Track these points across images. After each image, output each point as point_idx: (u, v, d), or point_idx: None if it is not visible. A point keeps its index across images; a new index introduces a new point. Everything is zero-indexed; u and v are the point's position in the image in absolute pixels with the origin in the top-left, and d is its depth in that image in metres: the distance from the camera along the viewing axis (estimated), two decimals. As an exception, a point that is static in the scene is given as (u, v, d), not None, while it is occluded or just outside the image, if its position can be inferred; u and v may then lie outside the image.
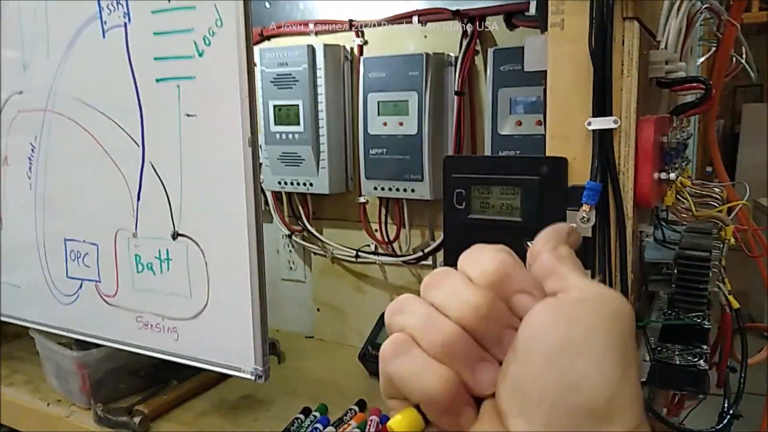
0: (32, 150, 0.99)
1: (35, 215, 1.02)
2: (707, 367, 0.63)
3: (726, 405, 0.71)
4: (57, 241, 1.00)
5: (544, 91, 0.60)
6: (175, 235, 0.85)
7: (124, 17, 0.84)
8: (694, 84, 0.64)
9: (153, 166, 0.85)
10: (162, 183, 0.85)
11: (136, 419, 0.94)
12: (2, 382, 1.14)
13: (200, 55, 0.78)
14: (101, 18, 0.86)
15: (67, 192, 0.98)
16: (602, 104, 0.54)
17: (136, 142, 0.86)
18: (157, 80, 0.82)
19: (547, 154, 0.59)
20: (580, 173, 0.57)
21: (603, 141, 0.55)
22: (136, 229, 0.89)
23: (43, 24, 0.94)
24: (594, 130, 0.55)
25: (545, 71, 0.60)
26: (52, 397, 1.07)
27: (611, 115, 0.55)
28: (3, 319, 1.14)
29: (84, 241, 0.96)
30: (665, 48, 0.65)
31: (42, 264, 1.03)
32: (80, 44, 0.90)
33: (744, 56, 0.99)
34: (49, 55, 0.94)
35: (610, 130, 0.55)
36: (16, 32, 0.98)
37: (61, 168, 0.98)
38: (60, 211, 1.00)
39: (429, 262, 1.14)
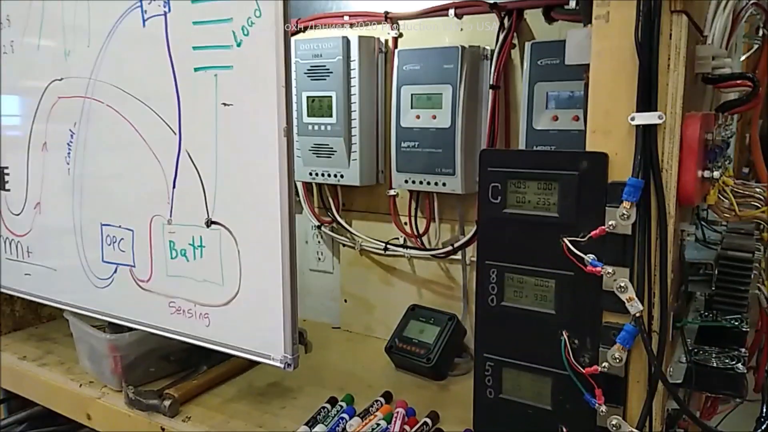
0: (71, 136, 1.01)
1: (72, 200, 1.04)
2: (745, 371, 0.62)
3: (765, 410, 0.69)
4: (94, 226, 1.02)
5: (585, 85, 0.60)
6: (209, 223, 0.86)
7: (164, 6, 0.85)
8: (741, 81, 0.63)
9: (189, 155, 0.86)
10: (197, 171, 0.86)
11: (167, 402, 0.95)
12: (36, 362, 1.17)
13: (238, 45, 0.78)
14: (142, 7, 0.87)
15: (105, 178, 0.99)
16: (647, 99, 0.53)
17: (173, 130, 0.87)
18: (196, 69, 0.83)
19: (588, 149, 0.58)
20: (621, 169, 0.56)
21: (646, 137, 0.54)
22: (171, 216, 0.90)
23: (84, 12, 0.96)
24: (637, 126, 0.54)
25: (586, 65, 0.59)
26: (84, 378, 1.10)
27: (656, 110, 0.53)
28: (40, 301, 1.17)
29: (120, 226, 0.98)
30: (711, 43, 0.64)
31: (78, 248, 1.05)
32: (120, 33, 0.91)
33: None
34: (90, 43, 0.95)
35: (654, 125, 0.54)
36: (57, 20, 1.00)
37: (99, 154, 0.99)
38: (97, 197, 1.01)
39: (458, 256, 1.13)
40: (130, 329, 1.02)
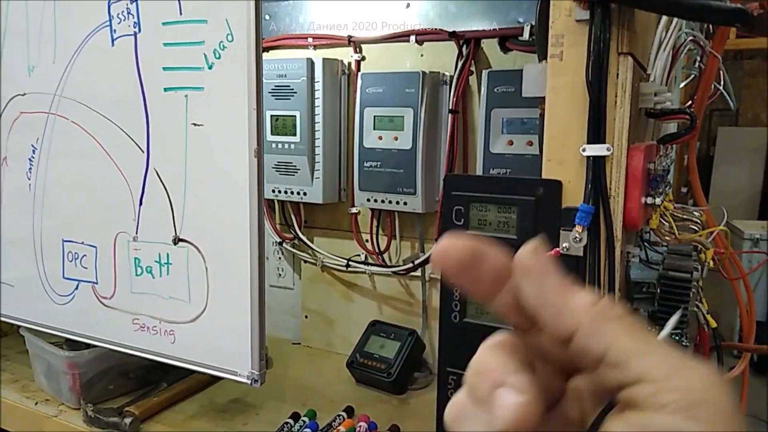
0: (33, 151, 1.01)
1: (33, 215, 1.03)
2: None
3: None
4: (55, 242, 1.01)
5: (541, 115, 0.64)
6: (177, 240, 0.87)
7: (134, 27, 0.86)
8: (680, 115, 0.69)
9: (157, 172, 0.87)
10: (165, 189, 0.87)
11: (127, 420, 0.95)
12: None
13: (210, 67, 0.80)
14: (111, 26, 0.88)
15: (68, 194, 0.99)
16: (597, 132, 0.58)
17: (141, 149, 0.88)
18: (166, 89, 0.84)
19: (543, 176, 0.62)
20: (573, 196, 0.61)
21: (596, 167, 0.59)
22: (136, 233, 0.91)
23: (50, 28, 0.96)
24: (588, 156, 0.59)
25: (542, 97, 0.63)
26: (40, 396, 1.08)
27: (605, 142, 0.58)
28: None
29: (83, 242, 0.97)
30: (654, 80, 0.70)
31: (38, 264, 1.04)
32: (88, 50, 0.92)
33: (723, 84, 1.05)
34: (55, 59, 0.95)
35: (603, 156, 0.59)
36: (22, 34, 0.99)
37: (63, 170, 0.99)
38: (59, 213, 1.00)
39: (418, 273, 1.17)
40: (88, 345, 1.01)
